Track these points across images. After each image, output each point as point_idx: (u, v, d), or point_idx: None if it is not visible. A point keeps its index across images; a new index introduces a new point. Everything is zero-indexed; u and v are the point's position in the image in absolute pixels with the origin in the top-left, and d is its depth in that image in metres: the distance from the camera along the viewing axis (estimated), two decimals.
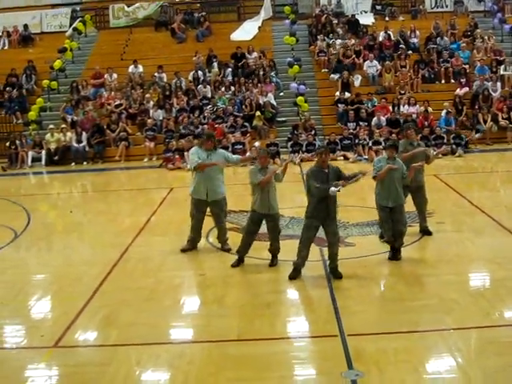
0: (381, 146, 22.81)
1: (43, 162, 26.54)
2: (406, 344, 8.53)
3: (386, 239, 12.15)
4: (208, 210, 13.06)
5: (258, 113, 27.03)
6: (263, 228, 12.05)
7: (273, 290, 10.98)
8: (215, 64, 30.55)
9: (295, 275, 11.22)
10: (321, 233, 11.28)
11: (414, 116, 26.32)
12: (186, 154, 23.63)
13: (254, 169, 11.90)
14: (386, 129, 25.34)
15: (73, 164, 26.45)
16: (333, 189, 10.74)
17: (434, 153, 23.26)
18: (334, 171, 11.12)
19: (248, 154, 22.47)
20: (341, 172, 11.20)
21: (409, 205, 13.43)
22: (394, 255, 12.03)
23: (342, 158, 24.62)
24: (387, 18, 34.36)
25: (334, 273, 11.17)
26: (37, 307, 10.64)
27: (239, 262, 12.09)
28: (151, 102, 28.50)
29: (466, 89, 28.08)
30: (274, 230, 12.00)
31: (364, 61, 29.90)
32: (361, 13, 34.56)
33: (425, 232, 13.55)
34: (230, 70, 30.15)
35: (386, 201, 11.90)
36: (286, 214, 14.92)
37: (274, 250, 12.06)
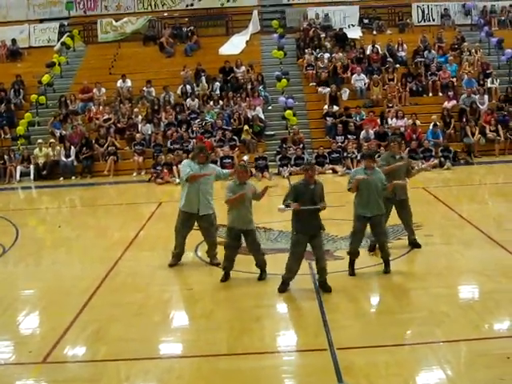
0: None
1: (32, 176, 26.43)
2: (396, 357, 8.52)
3: (351, 251, 12.10)
4: (196, 224, 13.05)
5: (246, 127, 27.05)
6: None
7: (262, 304, 10.96)
8: (203, 78, 30.56)
9: (284, 288, 11.21)
10: (309, 247, 11.27)
11: (402, 129, 26.39)
12: (174, 168, 23.63)
13: (230, 184, 11.95)
14: (374, 142, 25.39)
15: (61, 179, 26.37)
16: (281, 207, 10.96)
17: (423, 166, 23.34)
18: (320, 188, 11.18)
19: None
20: (322, 191, 11.24)
21: (395, 218, 13.47)
22: (353, 270, 12.06)
23: (330, 171, 24.68)
24: (375, 32, 34.47)
25: (323, 287, 11.15)
26: (25, 323, 10.58)
27: (226, 277, 12.07)
28: (140, 117, 28.47)
29: (454, 102, 28.18)
30: (253, 244, 12.03)
31: (352, 74, 29.98)
32: (348, 26, 34.63)
33: (414, 245, 13.55)
34: (218, 84, 30.18)
35: (365, 210, 11.86)
36: (274, 228, 14.94)
37: (260, 263, 12.05)
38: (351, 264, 12.06)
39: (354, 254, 12.04)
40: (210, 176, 12.79)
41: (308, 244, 11.22)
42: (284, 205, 11.00)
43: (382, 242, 12.00)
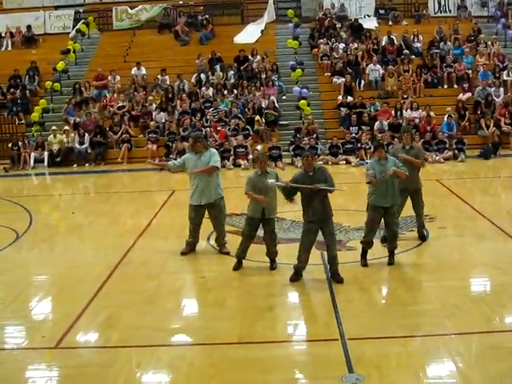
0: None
1: (45, 163, 26.58)
2: (407, 348, 8.53)
3: (365, 240, 12.11)
4: (207, 212, 13.11)
5: (257, 117, 27.03)
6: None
7: (274, 293, 10.99)
8: (218, 67, 30.54)
9: (296, 278, 11.23)
10: (321, 237, 11.28)
11: (417, 121, 26.33)
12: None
13: (251, 177, 11.94)
14: (388, 133, 25.31)
15: (75, 165, 26.48)
16: (271, 180, 11.23)
17: (437, 158, 23.38)
18: (321, 172, 11.16)
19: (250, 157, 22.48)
20: (326, 173, 11.23)
21: (406, 210, 13.44)
22: (365, 261, 12.09)
23: (344, 162, 24.66)
24: (390, 23, 34.32)
25: (334, 277, 11.16)
26: (38, 308, 10.65)
27: (239, 265, 12.11)
28: (154, 105, 28.52)
29: (469, 94, 28.06)
30: (271, 235, 12.02)
31: (367, 65, 29.90)
32: (364, 17, 34.50)
33: (420, 237, 13.54)
34: (232, 72, 30.16)
35: (383, 200, 11.82)
36: (287, 218, 14.93)
37: (271, 255, 12.07)
38: (364, 254, 12.07)
39: (368, 244, 12.03)
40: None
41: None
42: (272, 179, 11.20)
43: (394, 233, 11.99)
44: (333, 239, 11.23)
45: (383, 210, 11.86)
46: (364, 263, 12.03)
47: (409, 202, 13.30)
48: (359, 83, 29.48)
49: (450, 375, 7.85)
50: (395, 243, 12.05)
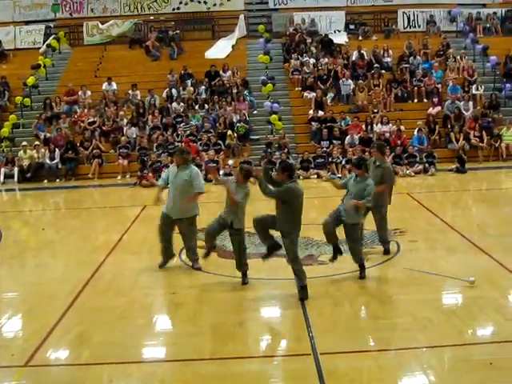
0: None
1: (15, 178, 26.41)
2: (380, 362, 8.53)
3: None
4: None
5: (229, 132, 27.08)
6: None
7: (245, 308, 10.96)
8: (189, 82, 30.55)
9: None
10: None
11: (387, 135, 26.53)
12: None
13: (231, 180, 12.03)
14: (359, 147, 25.44)
15: (45, 181, 26.33)
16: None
17: (407, 171, 23.58)
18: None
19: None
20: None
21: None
22: (361, 273, 12.08)
23: (315, 176, 24.73)
24: (360, 38, 34.63)
25: (299, 292, 11.03)
26: (7, 325, 10.51)
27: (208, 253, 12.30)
28: (125, 120, 28.46)
29: (439, 108, 28.36)
30: (239, 248, 11.95)
31: (338, 80, 30.04)
32: (334, 32, 34.77)
33: (385, 251, 13.59)
34: (203, 87, 30.18)
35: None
36: None
37: (241, 267, 12.02)
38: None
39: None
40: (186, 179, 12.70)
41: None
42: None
43: (350, 248, 12.11)
44: (289, 256, 11.13)
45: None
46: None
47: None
48: (340, 97, 29.74)
49: None
50: (354, 258, 12.06)
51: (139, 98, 29.94)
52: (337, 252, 12.13)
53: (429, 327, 9.58)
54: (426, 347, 8.89)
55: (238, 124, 27.41)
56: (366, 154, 23.52)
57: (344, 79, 29.73)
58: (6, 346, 9.56)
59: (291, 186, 10.83)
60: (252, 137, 27.89)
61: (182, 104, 29.14)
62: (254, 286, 11.81)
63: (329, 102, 29.33)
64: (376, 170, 13.18)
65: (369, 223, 13.59)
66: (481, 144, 26.52)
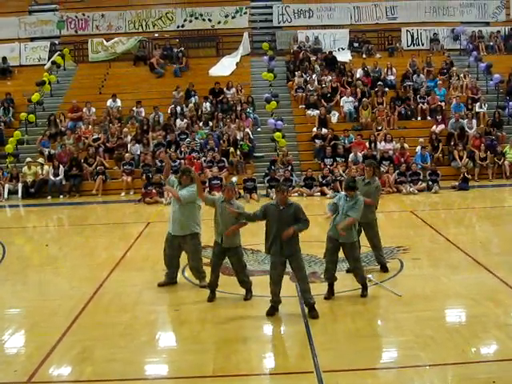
0: None
1: (19, 194, 26.45)
2: (382, 380, 8.53)
3: (326, 275, 12.16)
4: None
5: (231, 149, 27.12)
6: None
7: (248, 325, 10.94)
8: (193, 99, 30.66)
9: (272, 312, 11.17)
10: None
11: (391, 152, 26.57)
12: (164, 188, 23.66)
13: (217, 198, 11.94)
14: (362, 165, 25.42)
15: (49, 197, 26.37)
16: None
17: (411, 189, 23.59)
18: (293, 209, 11.02)
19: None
20: (296, 213, 11.01)
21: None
22: (363, 291, 12.08)
23: (318, 193, 24.75)
24: (364, 56, 34.77)
25: (310, 312, 11.06)
26: (10, 342, 10.50)
27: (213, 296, 12.15)
28: (129, 137, 28.54)
29: (442, 126, 28.41)
30: (237, 265, 11.99)
31: (341, 97, 30.14)
32: (338, 50, 34.97)
33: (382, 267, 13.60)
34: (208, 104, 30.27)
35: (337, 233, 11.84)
36: (262, 250, 14.89)
37: (243, 284, 12.09)
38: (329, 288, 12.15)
39: (328, 279, 12.10)
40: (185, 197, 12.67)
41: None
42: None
43: (351, 267, 12.12)
44: (301, 273, 11.14)
45: (338, 242, 11.91)
46: (328, 296, 12.05)
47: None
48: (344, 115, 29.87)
49: None
50: (357, 278, 12.07)
51: (143, 114, 30.02)
52: (332, 294, 12.13)
53: (431, 345, 9.55)
54: (428, 365, 8.87)
55: (241, 142, 27.47)
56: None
57: (345, 97, 29.80)
58: (8, 362, 9.57)
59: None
60: (256, 154, 27.95)
61: (185, 120, 29.18)
62: (257, 303, 11.80)
63: (333, 120, 29.38)
64: (365, 187, 13.23)
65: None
66: (490, 164, 26.68)
